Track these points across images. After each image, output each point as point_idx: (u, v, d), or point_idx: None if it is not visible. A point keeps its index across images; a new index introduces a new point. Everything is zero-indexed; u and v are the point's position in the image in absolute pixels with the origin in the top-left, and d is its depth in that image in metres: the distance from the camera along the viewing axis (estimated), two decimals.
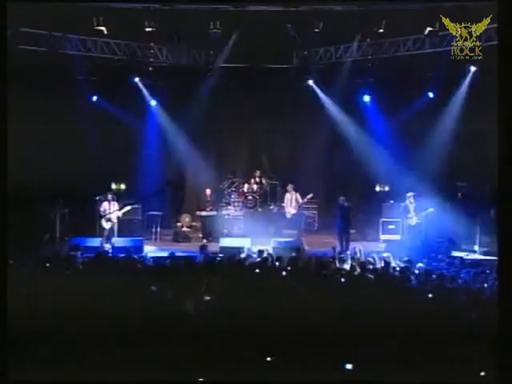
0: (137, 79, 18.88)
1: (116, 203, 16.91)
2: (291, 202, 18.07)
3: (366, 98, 19.14)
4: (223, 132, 19.69)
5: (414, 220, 16.95)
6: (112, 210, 16.69)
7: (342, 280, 10.11)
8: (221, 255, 13.73)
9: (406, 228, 17.07)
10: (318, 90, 19.20)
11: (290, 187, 18.21)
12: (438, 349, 7.27)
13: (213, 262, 11.95)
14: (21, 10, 13.19)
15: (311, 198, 18.32)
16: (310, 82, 19.22)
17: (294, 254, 12.96)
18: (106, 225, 16.69)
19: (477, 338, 7.35)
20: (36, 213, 16.09)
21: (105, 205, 16.81)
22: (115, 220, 16.80)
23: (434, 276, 10.39)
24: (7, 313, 7.46)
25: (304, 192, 18.11)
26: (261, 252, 13.04)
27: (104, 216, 16.64)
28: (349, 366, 6.95)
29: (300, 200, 18.02)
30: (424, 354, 7.19)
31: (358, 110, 19.30)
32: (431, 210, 16.66)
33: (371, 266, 11.45)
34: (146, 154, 19.42)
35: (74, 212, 17.39)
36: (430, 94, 18.50)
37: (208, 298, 8.67)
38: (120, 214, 16.87)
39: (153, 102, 19.39)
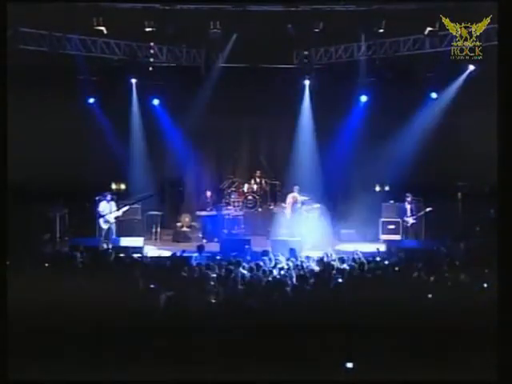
0: (137, 79, 18.87)
1: (114, 203, 16.95)
2: (293, 204, 17.97)
3: (364, 98, 19.11)
4: (223, 132, 19.67)
5: (410, 221, 17.05)
6: (110, 211, 16.74)
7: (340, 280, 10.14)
8: None
9: (404, 228, 17.21)
10: (307, 92, 19.27)
11: (296, 189, 18.07)
12: (437, 348, 7.27)
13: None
14: (21, 10, 13.21)
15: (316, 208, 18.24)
16: (306, 83, 19.24)
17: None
18: (104, 225, 16.74)
19: (477, 338, 7.35)
20: (36, 213, 16.10)
21: (103, 205, 16.84)
22: (113, 220, 16.83)
23: None
24: (7, 313, 7.46)
25: (308, 194, 18.03)
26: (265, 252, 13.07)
27: (102, 216, 16.68)
28: (349, 365, 6.95)
29: (300, 203, 17.92)
30: (424, 354, 7.20)
31: (358, 110, 19.28)
32: (428, 209, 16.77)
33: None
34: (146, 153, 19.42)
35: (74, 212, 17.40)
36: (431, 94, 18.49)
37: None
38: (120, 213, 16.91)
39: (155, 101, 19.38)
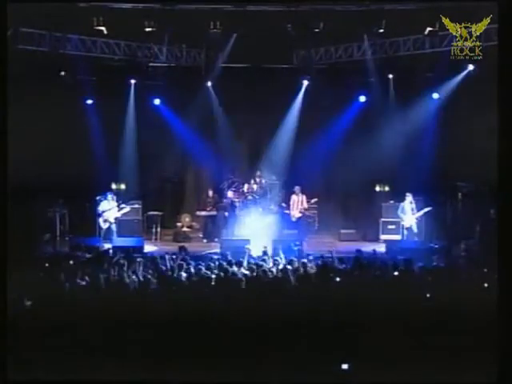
0: (137, 79, 18.87)
1: (115, 203, 16.97)
2: (297, 204, 17.92)
3: (363, 98, 19.09)
4: (223, 132, 19.67)
5: (408, 221, 17.05)
6: (111, 210, 16.76)
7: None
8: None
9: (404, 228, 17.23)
10: (302, 92, 19.30)
11: (297, 189, 18.00)
12: (437, 349, 7.27)
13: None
14: (21, 10, 13.19)
15: (315, 202, 18.33)
16: (304, 83, 19.26)
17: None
18: (104, 224, 16.77)
19: (477, 338, 7.35)
20: (36, 213, 16.09)
21: (104, 205, 16.86)
22: (113, 220, 16.85)
23: None
24: (7, 313, 7.46)
25: (308, 194, 18.05)
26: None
27: (102, 216, 16.71)
28: (345, 366, 6.95)
29: (305, 203, 17.91)
30: (424, 354, 7.19)
31: (358, 110, 19.27)
32: (427, 209, 16.79)
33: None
34: (146, 153, 19.42)
35: (74, 212, 17.40)
36: (431, 94, 18.48)
37: None
38: (119, 214, 16.95)
39: (156, 101, 19.36)
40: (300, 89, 19.40)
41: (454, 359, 7.09)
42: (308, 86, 19.30)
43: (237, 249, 14.35)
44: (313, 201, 18.16)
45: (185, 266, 11.07)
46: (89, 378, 6.91)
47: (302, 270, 11.18)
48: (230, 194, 19.01)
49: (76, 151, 17.56)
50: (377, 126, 18.84)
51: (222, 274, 10.42)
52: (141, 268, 11.02)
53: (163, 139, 19.52)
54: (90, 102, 18.61)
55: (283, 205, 18.63)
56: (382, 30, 16.89)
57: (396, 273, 10.96)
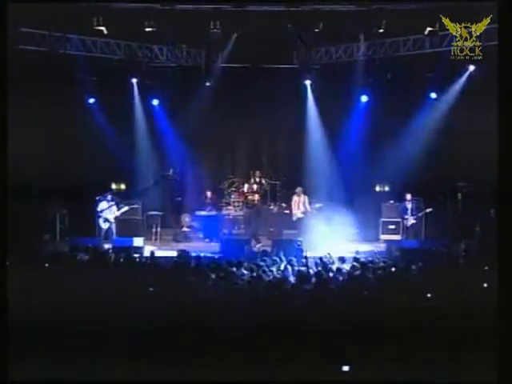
0: (136, 79, 18.89)
1: (115, 203, 16.97)
2: (299, 205, 17.85)
3: (365, 98, 19.10)
4: (223, 132, 19.67)
5: (408, 221, 17.06)
6: (110, 210, 16.77)
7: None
8: None
9: (404, 228, 17.23)
10: (309, 92, 19.30)
11: (298, 190, 17.91)
12: (437, 349, 7.27)
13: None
14: (21, 10, 13.19)
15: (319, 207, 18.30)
16: (307, 83, 19.26)
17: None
18: (104, 225, 16.79)
19: (477, 338, 7.35)
20: (36, 213, 16.09)
21: (103, 205, 16.87)
22: (113, 220, 16.87)
23: None
24: (7, 313, 7.46)
25: (311, 195, 18.03)
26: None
27: (102, 216, 16.72)
28: (345, 368, 6.94)
29: (307, 204, 17.83)
30: (423, 355, 7.19)
31: (358, 110, 19.28)
32: (427, 210, 16.80)
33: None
34: (146, 153, 19.43)
35: (74, 212, 17.39)
36: (431, 94, 18.49)
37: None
38: (118, 213, 16.96)
39: (155, 101, 19.38)
40: (300, 89, 19.39)
41: (454, 359, 7.09)
42: (310, 86, 19.30)
43: (236, 248, 14.39)
44: (317, 205, 18.05)
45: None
46: (89, 378, 6.91)
47: (301, 269, 11.19)
48: (230, 194, 19.02)
49: (76, 151, 17.55)
50: (377, 126, 18.84)
51: (221, 273, 10.42)
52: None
53: (163, 139, 19.56)
54: (90, 102, 18.61)
55: (283, 205, 18.62)
56: (382, 30, 16.92)
57: (396, 273, 10.99)
